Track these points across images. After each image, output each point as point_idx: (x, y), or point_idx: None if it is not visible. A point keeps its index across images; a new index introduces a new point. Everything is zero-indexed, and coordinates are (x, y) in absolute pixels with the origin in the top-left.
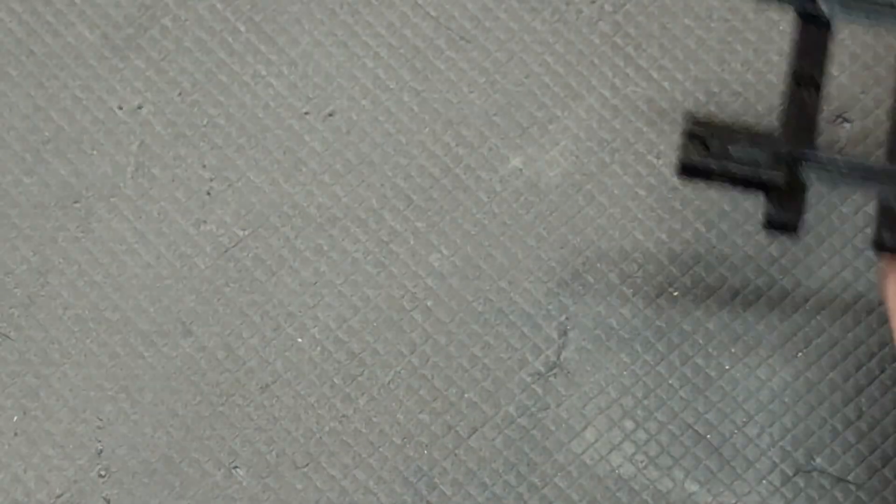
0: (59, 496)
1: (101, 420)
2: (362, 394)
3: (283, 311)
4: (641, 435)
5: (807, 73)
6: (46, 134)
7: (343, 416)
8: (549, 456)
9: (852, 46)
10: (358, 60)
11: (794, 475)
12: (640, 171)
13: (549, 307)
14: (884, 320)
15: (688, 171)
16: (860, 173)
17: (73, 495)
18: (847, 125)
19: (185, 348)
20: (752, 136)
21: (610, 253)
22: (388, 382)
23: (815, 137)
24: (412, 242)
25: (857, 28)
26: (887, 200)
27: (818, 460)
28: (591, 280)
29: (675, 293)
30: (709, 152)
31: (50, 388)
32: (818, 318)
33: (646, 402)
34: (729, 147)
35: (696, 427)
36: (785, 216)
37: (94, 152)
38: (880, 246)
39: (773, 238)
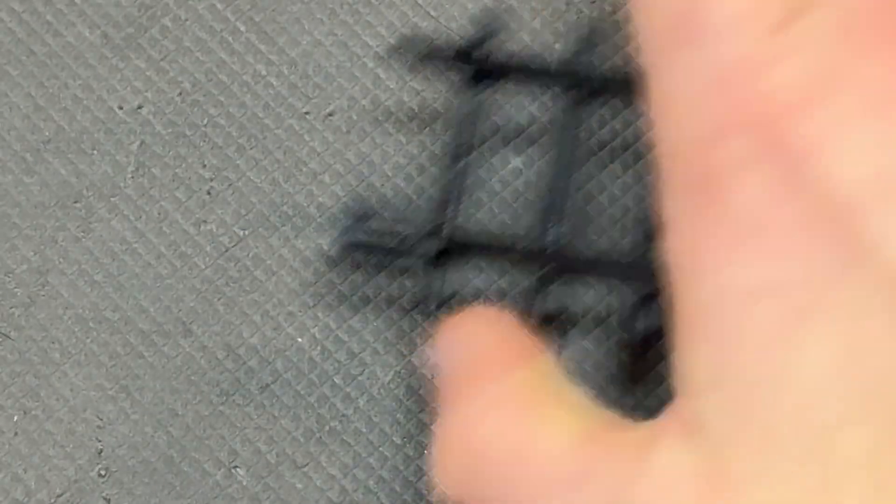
0: (59, 496)
1: (101, 420)
2: (362, 393)
3: (283, 311)
4: None
5: (460, 145)
6: (46, 134)
7: (343, 415)
8: None
9: None
10: (358, 60)
11: None
12: (639, 169)
13: (549, 306)
14: None
15: (348, 249)
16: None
17: (73, 495)
18: None
19: (185, 348)
20: (405, 213)
21: (611, 252)
22: (389, 382)
23: (458, 208)
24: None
25: None
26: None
27: None
28: (592, 279)
29: None
30: (365, 230)
31: (50, 387)
32: None
33: (646, 402)
34: (384, 224)
35: None
36: (432, 292)
37: (95, 152)
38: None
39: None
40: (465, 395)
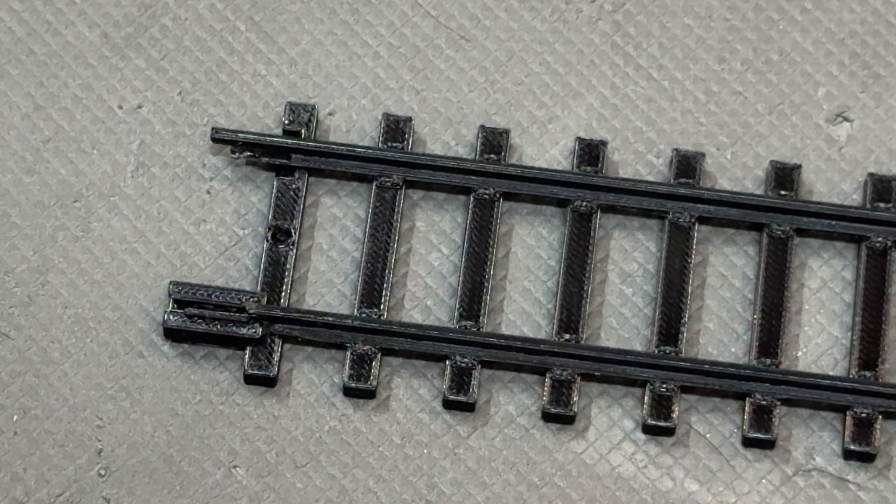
0: (59, 495)
1: (100, 419)
2: None
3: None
4: (641, 435)
5: (283, 228)
6: (46, 133)
7: (343, 415)
8: (548, 455)
9: (852, 45)
10: (358, 60)
11: (794, 475)
12: (639, 169)
13: (549, 306)
14: None
15: (171, 335)
16: (325, 327)
17: (72, 494)
18: (847, 124)
19: (184, 347)
20: (229, 296)
21: (611, 253)
22: (388, 382)
23: (287, 292)
24: (412, 241)
25: (855, 27)
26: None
27: (818, 460)
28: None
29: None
30: (190, 315)
31: (50, 387)
32: None
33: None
34: (209, 308)
35: (696, 427)
36: (260, 370)
37: (94, 151)
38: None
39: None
40: None
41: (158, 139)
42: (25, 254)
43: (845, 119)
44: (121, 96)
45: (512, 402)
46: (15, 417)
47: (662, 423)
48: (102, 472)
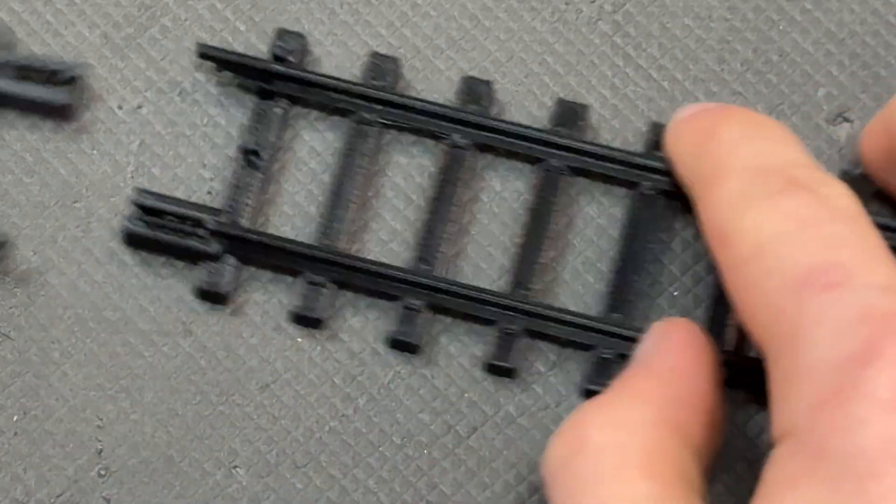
0: (59, 495)
1: (101, 420)
2: (362, 393)
3: (282, 311)
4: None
5: (251, 149)
6: (46, 134)
7: (343, 415)
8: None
9: (852, 45)
10: (358, 60)
11: None
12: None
13: None
14: None
15: (131, 240)
16: (280, 251)
17: (73, 494)
18: (847, 125)
19: (185, 348)
20: (193, 209)
21: (609, 254)
22: (388, 382)
23: (245, 209)
24: (411, 242)
25: (855, 27)
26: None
27: None
28: (591, 279)
29: (675, 293)
30: (151, 223)
31: (50, 387)
32: None
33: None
34: (172, 218)
35: None
36: (212, 287)
37: (94, 152)
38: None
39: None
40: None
41: (158, 139)
42: (25, 254)
43: (845, 119)
44: (121, 97)
45: (512, 402)
46: (15, 418)
47: None
48: (102, 472)
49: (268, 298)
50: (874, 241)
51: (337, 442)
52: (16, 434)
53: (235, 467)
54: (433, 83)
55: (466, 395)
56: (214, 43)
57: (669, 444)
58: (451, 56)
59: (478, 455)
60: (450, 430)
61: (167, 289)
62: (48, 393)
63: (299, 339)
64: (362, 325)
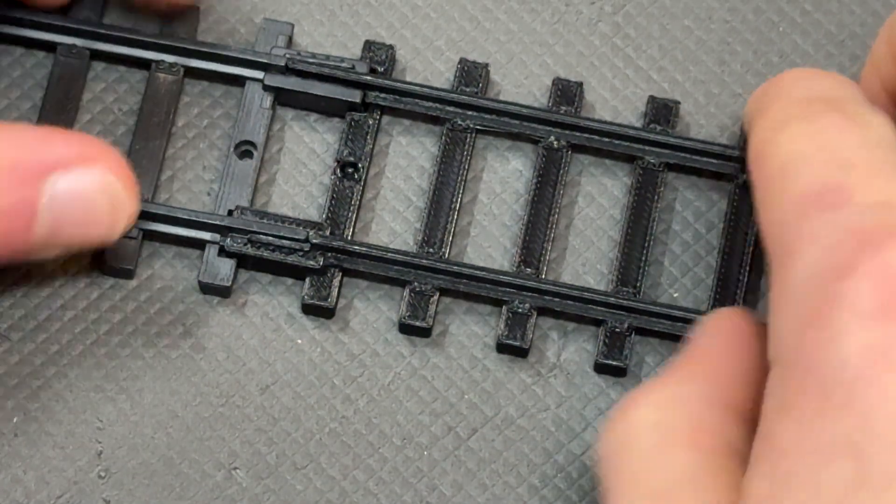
0: (58, 497)
1: (101, 421)
2: (362, 395)
3: (282, 313)
4: None
5: (349, 162)
6: None
7: (343, 416)
8: (548, 457)
9: (852, 47)
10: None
11: None
12: None
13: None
14: None
15: (230, 256)
16: (389, 265)
17: (72, 496)
18: None
19: (184, 349)
20: (292, 225)
21: (610, 253)
22: (388, 384)
23: (352, 226)
24: (409, 243)
25: (855, 28)
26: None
27: None
28: (592, 281)
29: (675, 294)
30: (250, 241)
31: (50, 388)
32: None
33: None
34: (271, 235)
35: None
36: (320, 302)
37: None
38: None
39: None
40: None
41: None
42: None
43: None
44: (121, 98)
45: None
46: (15, 419)
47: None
48: (102, 473)
49: (268, 300)
50: (891, 166)
51: (337, 443)
52: (16, 435)
53: (235, 469)
54: (434, 83)
55: (466, 396)
56: (213, 37)
57: (714, 418)
58: (451, 57)
59: (478, 456)
60: (450, 431)
61: (167, 289)
62: (48, 394)
63: (299, 341)
64: (362, 326)
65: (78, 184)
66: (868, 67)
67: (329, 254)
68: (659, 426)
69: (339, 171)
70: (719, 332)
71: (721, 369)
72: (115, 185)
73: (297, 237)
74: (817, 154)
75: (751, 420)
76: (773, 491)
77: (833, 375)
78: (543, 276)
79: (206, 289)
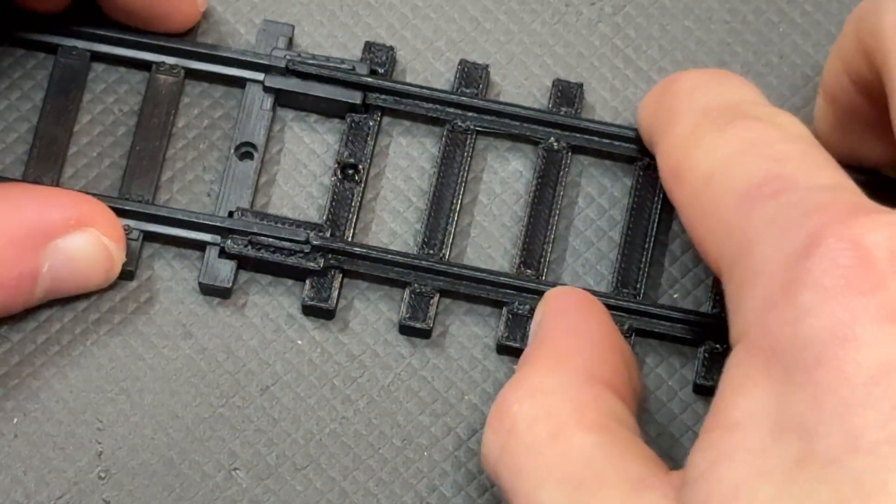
0: (58, 498)
1: (101, 422)
2: (362, 396)
3: (282, 314)
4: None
5: (349, 163)
6: None
7: (343, 417)
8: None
9: None
10: None
11: None
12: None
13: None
14: None
15: (231, 257)
16: (389, 266)
17: (72, 496)
18: None
19: (185, 350)
20: (292, 226)
21: (610, 255)
22: (388, 385)
23: (353, 227)
24: (410, 244)
25: None
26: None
27: None
28: (592, 282)
29: (675, 295)
30: (251, 242)
31: (50, 389)
32: None
33: (645, 404)
34: (271, 236)
35: (695, 429)
36: (320, 303)
37: (95, 154)
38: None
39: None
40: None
41: None
42: None
43: None
44: (121, 99)
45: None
46: (15, 420)
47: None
48: (102, 474)
49: (268, 300)
50: (821, 156)
51: (337, 444)
52: (15, 436)
53: (235, 469)
54: (434, 84)
55: (466, 397)
56: (213, 38)
57: (595, 395)
58: (451, 58)
59: (478, 457)
60: (450, 432)
61: (167, 290)
62: (48, 395)
63: (299, 342)
64: (362, 327)
65: (76, 249)
66: (832, 58)
67: (329, 255)
68: (542, 417)
69: (339, 172)
70: (563, 311)
71: (579, 347)
72: (109, 243)
73: (297, 238)
74: (746, 153)
75: (620, 390)
76: (717, 460)
77: (797, 353)
78: (543, 278)
79: (207, 290)
